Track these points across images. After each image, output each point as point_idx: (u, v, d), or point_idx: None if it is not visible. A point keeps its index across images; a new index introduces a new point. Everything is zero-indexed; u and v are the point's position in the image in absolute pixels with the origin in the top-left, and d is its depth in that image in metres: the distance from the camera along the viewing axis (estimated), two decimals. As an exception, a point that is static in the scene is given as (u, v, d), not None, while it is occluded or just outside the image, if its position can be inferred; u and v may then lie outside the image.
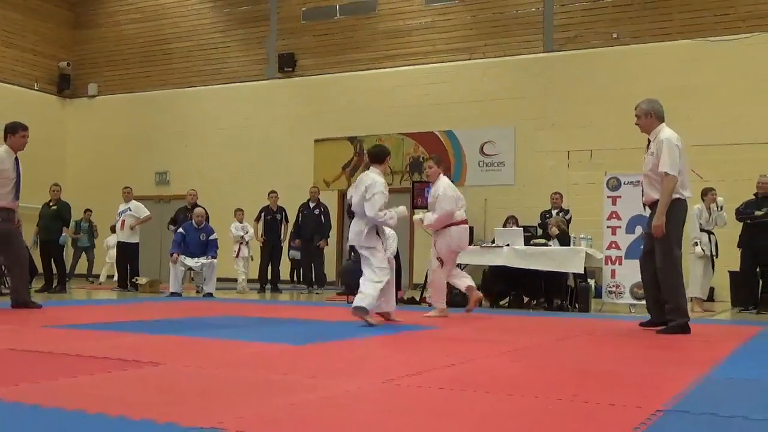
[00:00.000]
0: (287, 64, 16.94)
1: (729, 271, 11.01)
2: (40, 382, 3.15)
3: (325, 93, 16.52)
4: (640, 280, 6.83)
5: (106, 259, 15.69)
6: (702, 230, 10.16)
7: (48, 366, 3.70)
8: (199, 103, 17.90)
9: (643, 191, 6.48)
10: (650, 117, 6.30)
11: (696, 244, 10.03)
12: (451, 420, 2.59)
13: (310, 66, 16.88)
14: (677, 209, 6.16)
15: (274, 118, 16.97)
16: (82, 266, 16.40)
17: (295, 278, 15.14)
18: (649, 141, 6.30)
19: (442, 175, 7.78)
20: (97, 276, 16.07)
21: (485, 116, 14.95)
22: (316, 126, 16.48)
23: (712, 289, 10.61)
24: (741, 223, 10.28)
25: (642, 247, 6.85)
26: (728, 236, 10.59)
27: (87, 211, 16.31)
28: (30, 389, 2.97)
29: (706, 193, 10.30)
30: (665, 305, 6.17)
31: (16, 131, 7.57)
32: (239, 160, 17.14)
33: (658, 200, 6.13)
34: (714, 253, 10.14)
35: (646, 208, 6.64)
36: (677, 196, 6.14)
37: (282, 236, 13.53)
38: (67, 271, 13.69)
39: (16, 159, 7.51)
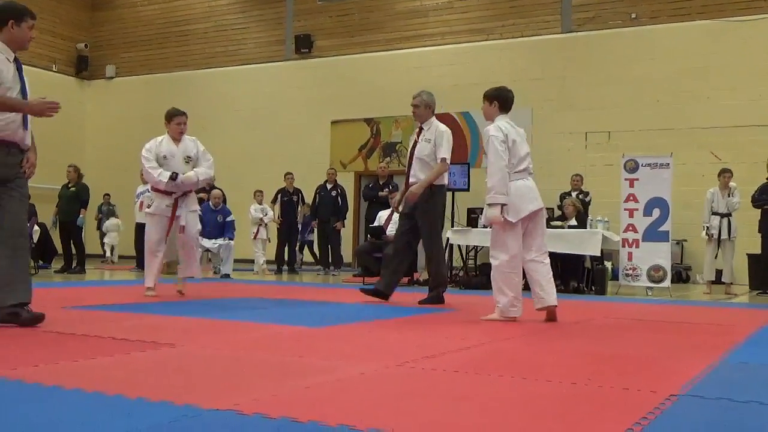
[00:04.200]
0: (304, 46, 16.91)
1: (747, 254, 10.94)
2: (59, 362, 3.19)
3: (342, 74, 16.47)
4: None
5: (105, 240, 16.12)
6: (714, 213, 10.18)
7: (67, 347, 3.74)
8: (215, 84, 17.91)
9: (409, 173, 6.85)
10: (428, 108, 6.91)
11: (704, 228, 10.16)
12: (466, 403, 2.61)
13: (327, 47, 16.83)
14: (443, 193, 6.96)
15: (291, 99, 16.95)
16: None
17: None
18: (421, 129, 6.88)
19: None
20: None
21: (502, 97, 14.83)
22: (332, 107, 16.46)
23: (719, 272, 10.55)
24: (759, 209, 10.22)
25: (402, 227, 7.02)
26: (749, 219, 10.52)
27: (106, 195, 16.53)
28: (49, 370, 3.01)
29: (721, 174, 10.31)
30: (431, 276, 6.93)
31: (6, 21, 4.47)
32: (256, 141, 17.16)
33: None
34: (727, 236, 10.13)
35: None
36: (443, 182, 6.83)
37: (298, 217, 13.61)
38: (105, 255, 13.95)
39: (18, 63, 4.54)
